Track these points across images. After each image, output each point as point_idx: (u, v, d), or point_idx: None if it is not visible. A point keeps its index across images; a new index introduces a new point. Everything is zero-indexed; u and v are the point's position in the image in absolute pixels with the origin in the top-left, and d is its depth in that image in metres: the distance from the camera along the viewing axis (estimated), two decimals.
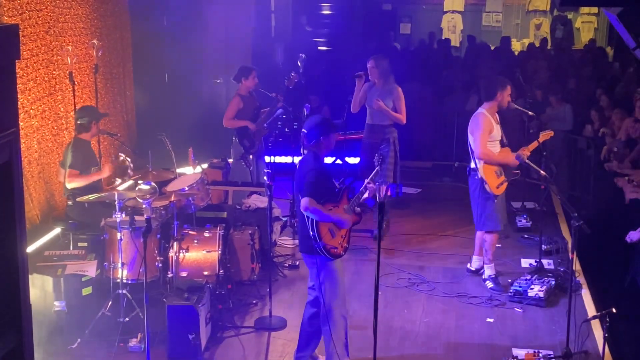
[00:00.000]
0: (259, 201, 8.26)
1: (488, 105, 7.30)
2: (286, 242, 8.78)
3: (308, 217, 5.46)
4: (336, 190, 5.66)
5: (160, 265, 6.80)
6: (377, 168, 5.89)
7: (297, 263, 8.05)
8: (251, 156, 9.08)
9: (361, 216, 5.75)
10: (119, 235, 6.32)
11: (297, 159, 9.97)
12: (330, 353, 5.64)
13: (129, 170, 7.25)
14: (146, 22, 10.69)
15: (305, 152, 5.84)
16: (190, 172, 8.03)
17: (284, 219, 9.20)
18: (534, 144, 7.44)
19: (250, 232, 7.53)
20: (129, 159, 7.16)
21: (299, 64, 8.99)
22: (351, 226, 5.66)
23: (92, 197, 6.60)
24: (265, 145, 9.53)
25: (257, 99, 9.26)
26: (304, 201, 5.41)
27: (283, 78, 9.04)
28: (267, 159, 9.85)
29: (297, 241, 8.78)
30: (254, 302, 7.08)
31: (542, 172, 6.72)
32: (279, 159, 11.32)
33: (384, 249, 8.26)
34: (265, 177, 7.00)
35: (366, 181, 5.69)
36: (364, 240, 8.70)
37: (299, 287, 7.56)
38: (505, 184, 7.31)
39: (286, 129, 11.62)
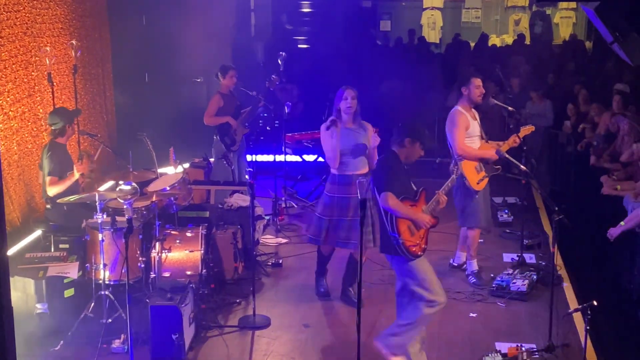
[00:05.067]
0: (241, 200, 8.24)
1: (461, 102, 7.34)
2: (269, 241, 8.77)
3: (387, 214, 5.46)
4: (414, 190, 5.66)
5: (142, 265, 6.78)
6: (452, 176, 5.94)
7: (281, 261, 8.05)
8: (232, 154, 9.07)
9: (438, 220, 5.73)
10: (100, 236, 6.28)
11: (278, 158, 10.00)
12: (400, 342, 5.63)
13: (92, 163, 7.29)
14: (125, 22, 10.65)
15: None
16: (171, 171, 8.00)
17: (267, 217, 9.20)
18: (513, 139, 7.45)
19: (232, 231, 7.52)
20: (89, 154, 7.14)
21: (279, 62, 8.98)
22: (429, 227, 5.63)
23: (72, 198, 6.57)
24: (246, 144, 9.52)
25: (237, 98, 9.26)
26: (384, 196, 5.41)
27: (263, 76, 9.05)
28: (248, 157, 9.84)
29: (280, 239, 8.81)
30: (238, 301, 7.06)
31: (522, 167, 6.76)
32: (261, 158, 11.31)
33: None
34: (247, 176, 6.99)
35: (438, 192, 5.68)
36: None
37: (283, 285, 7.56)
38: (486, 180, 7.34)
39: (267, 128, 11.62)
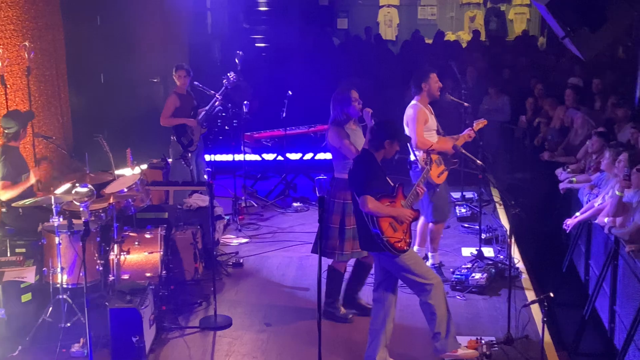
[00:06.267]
0: (200, 200, 8.21)
1: (418, 97, 7.39)
2: (229, 241, 8.74)
3: (367, 214, 5.46)
4: (391, 187, 5.66)
5: (100, 268, 6.70)
6: (426, 167, 6.08)
7: (241, 261, 8.03)
8: (190, 155, 9.02)
9: (419, 212, 5.72)
10: (57, 239, 6.22)
11: (237, 157, 9.98)
12: (437, 334, 5.73)
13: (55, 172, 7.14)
14: (79, 22, 10.49)
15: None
16: (129, 173, 7.93)
17: (227, 217, 9.17)
18: (468, 133, 7.49)
19: (192, 231, 7.48)
20: (52, 161, 7.01)
21: (236, 61, 8.96)
22: (411, 221, 5.64)
23: (27, 202, 6.48)
24: (205, 144, 9.48)
25: (194, 98, 9.22)
26: (362, 200, 5.41)
27: (221, 75, 9.00)
28: (207, 157, 9.79)
29: (240, 239, 8.79)
30: (199, 301, 7.03)
31: (478, 161, 6.82)
32: (220, 157, 11.28)
33: None
34: (206, 176, 6.96)
35: (417, 185, 5.76)
36: (311, 237, 8.71)
37: (244, 285, 7.55)
38: (446, 173, 7.40)
39: (226, 127, 11.58)
